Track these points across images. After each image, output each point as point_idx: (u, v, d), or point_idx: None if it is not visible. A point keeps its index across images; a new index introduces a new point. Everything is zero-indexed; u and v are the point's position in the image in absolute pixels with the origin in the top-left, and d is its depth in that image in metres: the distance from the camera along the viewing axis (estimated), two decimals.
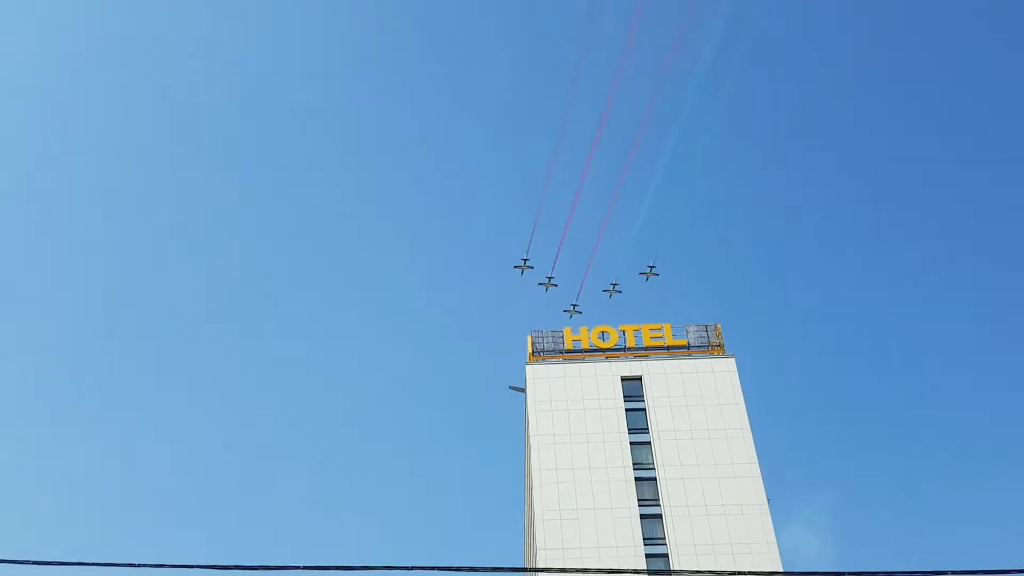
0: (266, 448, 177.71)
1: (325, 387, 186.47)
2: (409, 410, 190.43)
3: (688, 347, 71.75)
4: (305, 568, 11.85)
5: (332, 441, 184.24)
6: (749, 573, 13.91)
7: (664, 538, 60.70)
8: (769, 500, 62.48)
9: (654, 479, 63.68)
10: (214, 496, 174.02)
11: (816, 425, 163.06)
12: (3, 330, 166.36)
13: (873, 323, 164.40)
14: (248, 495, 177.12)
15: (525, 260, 79.54)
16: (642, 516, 61.70)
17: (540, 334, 72.48)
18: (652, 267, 77.38)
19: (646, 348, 71.72)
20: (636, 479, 63.53)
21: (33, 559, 11.42)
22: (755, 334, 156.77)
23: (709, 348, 71.30)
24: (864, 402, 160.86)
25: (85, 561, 11.55)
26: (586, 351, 71.63)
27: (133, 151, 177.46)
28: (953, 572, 12.20)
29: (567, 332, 72.40)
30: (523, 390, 78.42)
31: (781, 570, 62.45)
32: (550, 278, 79.17)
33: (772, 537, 60.26)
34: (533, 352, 71.39)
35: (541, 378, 69.07)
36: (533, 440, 65.63)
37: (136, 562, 11.58)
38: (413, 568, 11.66)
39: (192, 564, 10.80)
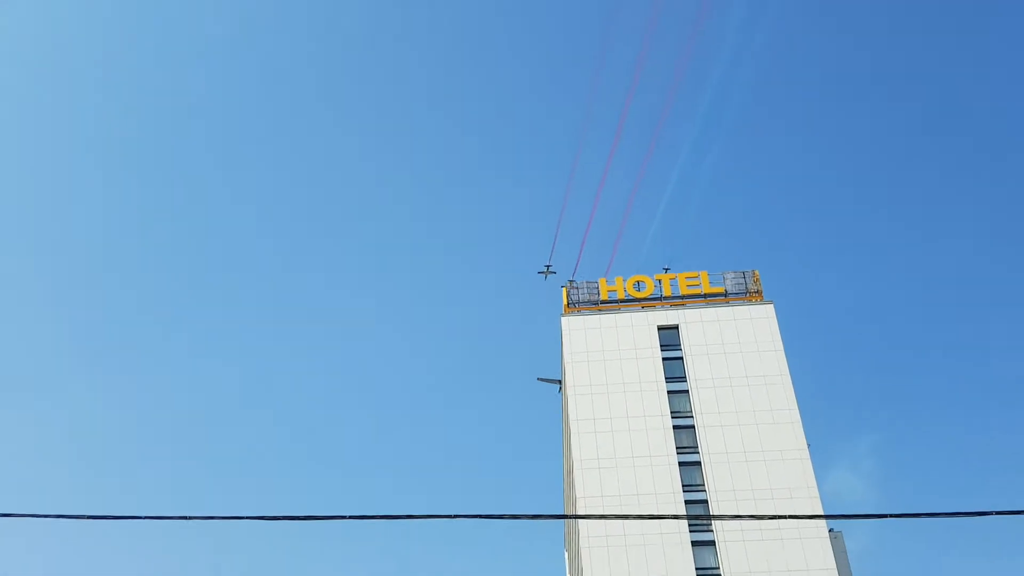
0: (305, 400, 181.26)
1: (365, 339, 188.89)
2: (446, 364, 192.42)
3: (726, 294, 71.12)
4: (351, 517, 12.04)
5: (371, 393, 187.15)
6: (790, 517, 13.90)
7: (703, 485, 60.95)
8: (809, 445, 62.36)
9: (692, 427, 63.77)
10: (265, 447, 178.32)
11: (857, 370, 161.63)
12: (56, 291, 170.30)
13: (913, 265, 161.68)
14: (294, 445, 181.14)
15: (548, 266, 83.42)
16: (681, 463, 61.95)
17: (575, 285, 72.30)
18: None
19: (682, 297, 71.25)
20: (674, 427, 63.67)
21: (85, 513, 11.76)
22: (794, 280, 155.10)
23: (747, 295, 70.63)
24: (905, 345, 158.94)
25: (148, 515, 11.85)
26: (621, 301, 71.36)
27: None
28: (997, 512, 12.09)
29: (602, 283, 72.11)
30: (555, 382, 79.62)
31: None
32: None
33: (813, 482, 60.22)
34: (568, 304, 71.30)
35: (576, 329, 69.07)
36: (570, 391, 65.91)
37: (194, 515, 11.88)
38: (457, 516, 11.79)
39: (242, 516, 11.04)
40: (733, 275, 71.87)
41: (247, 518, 11.29)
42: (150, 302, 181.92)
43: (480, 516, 11.69)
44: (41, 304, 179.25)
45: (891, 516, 12.40)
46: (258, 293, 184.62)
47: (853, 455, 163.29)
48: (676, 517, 14.84)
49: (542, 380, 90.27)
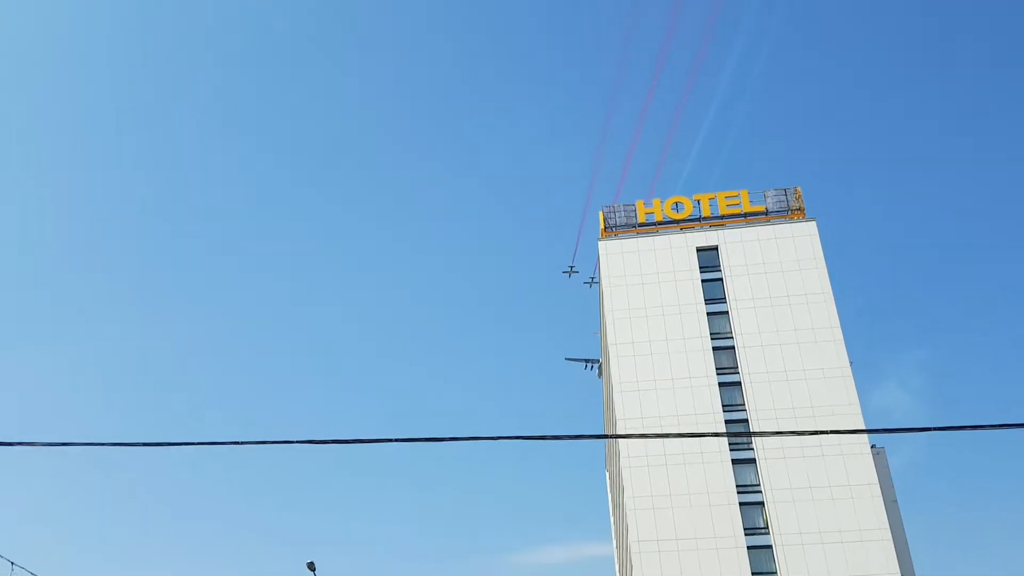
0: (351, 321, 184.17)
1: (407, 262, 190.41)
2: (488, 293, 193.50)
3: (766, 213, 69.85)
4: (399, 440, 12.09)
5: (412, 318, 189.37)
6: (831, 432, 13.70)
7: (743, 405, 61.03)
8: (852, 363, 61.88)
9: (732, 348, 63.53)
10: (320, 371, 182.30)
11: (903, 285, 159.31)
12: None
13: (961, 176, 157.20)
14: (345, 365, 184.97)
15: (572, 267, 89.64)
16: (721, 384, 61.98)
17: (612, 209, 71.51)
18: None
19: (722, 217, 70.14)
20: (714, 348, 63.49)
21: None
22: (836, 196, 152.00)
23: (788, 213, 69.29)
24: (953, 258, 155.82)
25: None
26: (660, 224, 70.50)
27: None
28: None
29: (639, 205, 71.20)
30: (584, 361, 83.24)
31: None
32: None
33: (855, 399, 59.95)
34: (605, 228, 70.66)
35: (614, 253, 68.56)
36: (608, 316, 65.83)
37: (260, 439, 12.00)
38: (499, 438, 11.79)
39: (295, 440, 11.12)
40: (774, 193, 70.44)
41: (302, 442, 11.37)
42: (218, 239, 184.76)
43: (524, 437, 11.68)
44: (101, 236, 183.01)
45: (933, 429, 12.12)
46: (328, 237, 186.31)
47: (901, 371, 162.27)
48: (716, 435, 14.78)
49: (571, 360, 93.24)
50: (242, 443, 11.26)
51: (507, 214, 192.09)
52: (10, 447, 10.66)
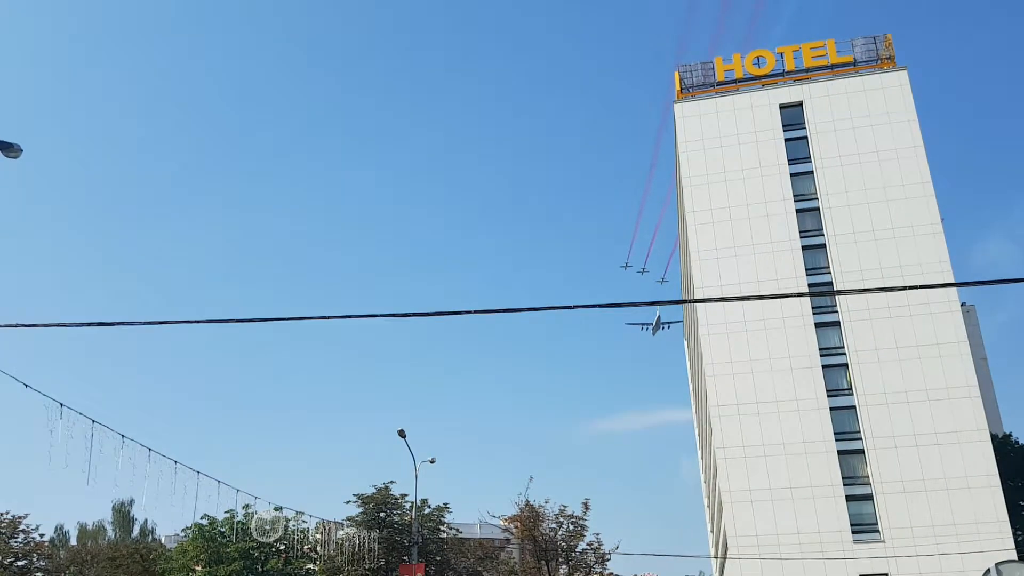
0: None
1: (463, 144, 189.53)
2: (566, 163, 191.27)
3: (855, 63, 65.80)
4: (476, 312, 12.83)
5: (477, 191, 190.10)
6: (921, 287, 13.74)
7: (828, 267, 59.81)
8: (943, 219, 59.40)
9: (817, 209, 61.70)
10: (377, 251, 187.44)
11: (1002, 134, 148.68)
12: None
13: None
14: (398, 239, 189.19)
15: (635, 265, 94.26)
16: (804, 248, 60.68)
17: (688, 68, 68.61)
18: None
19: (807, 70, 66.49)
20: (797, 211, 61.81)
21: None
22: (928, 42, 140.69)
23: (878, 63, 65.10)
24: None
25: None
26: (740, 81, 67.46)
27: None
28: None
29: (718, 62, 68.07)
30: (644, 325, 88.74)
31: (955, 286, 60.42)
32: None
33: (945, 256, 57.93)
34: (681, 89, 68.12)
35: (691, 115, 66.38)
36: (685, 182, 64.53)
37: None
38: (577, 307, 12.29)
39: (381, 314, 11.98)
40: (863, 41, 66.07)
41: (357, 316, 12.23)
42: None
43: (602, 305, 12.18)
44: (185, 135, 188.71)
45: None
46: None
47: (1009, 222, 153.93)
48: (799, 295, 15.10)
49: (631, 324, 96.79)
50: (330, 317, 12.14)
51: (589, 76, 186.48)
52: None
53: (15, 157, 17.15)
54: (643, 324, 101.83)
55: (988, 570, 11.87)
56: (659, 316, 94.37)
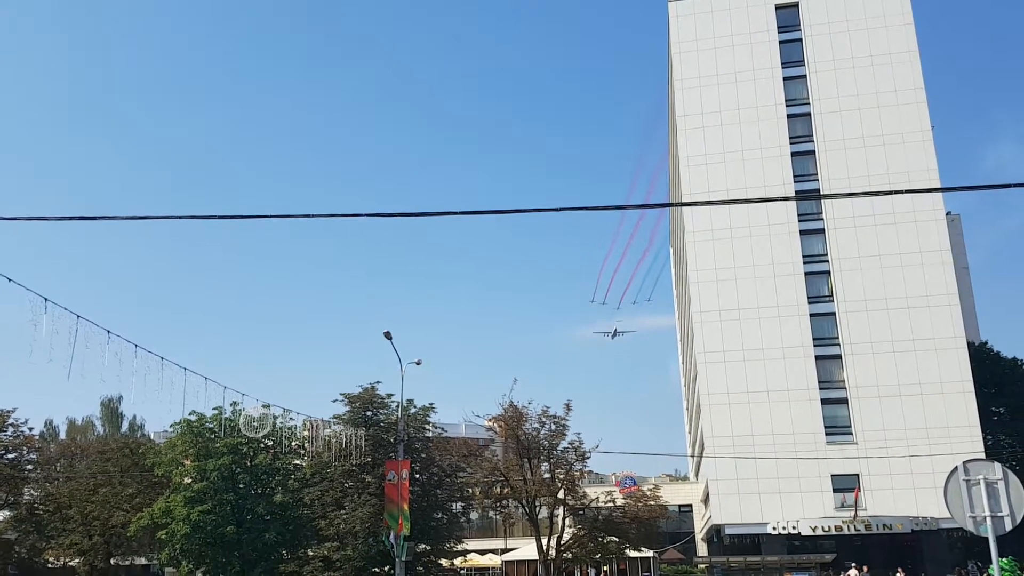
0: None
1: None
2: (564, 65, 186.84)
3: None
4: (468, 212, 12.59)
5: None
6: (907, 192, 13.53)
7: (816, 174, 59.54)
8: (933, 127, 58.92)
9: (808, 114, 61.08)
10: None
11: (1010, 38, 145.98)
12: None
13: None
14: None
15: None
16: (793, 154, 60.31)
17: None
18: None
19: None
20: (788, 116, 61.19)
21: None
22: None
23: None
24: None
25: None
26: None
27: None
28: None
29: None
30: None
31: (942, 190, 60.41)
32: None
33: (934, 164, 57.86)
34: None
35: (685, 15, 64.69)
36: (676, 85, 63.38)
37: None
38: (560, 209, 12.14)
39: (374, 213, 11.81)
40: None
41: (377, 215, 12.03)
42: None
43: (590, 208, 12.04)
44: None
45: (1012, 186, 11.52)
46: None
47: (1019, 127, 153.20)
48: (784, 199, 14.95)
49: (597, 333, 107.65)
50: (314, 216, 11.93)
51: None
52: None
53: None
54: (605, 332, 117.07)
55: (956, 468, 12.17)
56: (616, 328, 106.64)
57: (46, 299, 14.33)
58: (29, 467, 54.86)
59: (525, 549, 58.26)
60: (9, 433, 52.45)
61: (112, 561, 55.02)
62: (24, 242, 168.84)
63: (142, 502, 47.87)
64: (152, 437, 75.21)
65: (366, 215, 11.11)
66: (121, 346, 16.86)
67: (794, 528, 52.69)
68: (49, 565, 54.35)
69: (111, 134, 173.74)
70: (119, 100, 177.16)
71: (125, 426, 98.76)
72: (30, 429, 54.74)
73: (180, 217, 11.68)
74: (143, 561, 59.75)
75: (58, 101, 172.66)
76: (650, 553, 56.79)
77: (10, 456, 52.78)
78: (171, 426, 45.04)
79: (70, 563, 55.72)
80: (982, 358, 62.61)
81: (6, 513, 54.80)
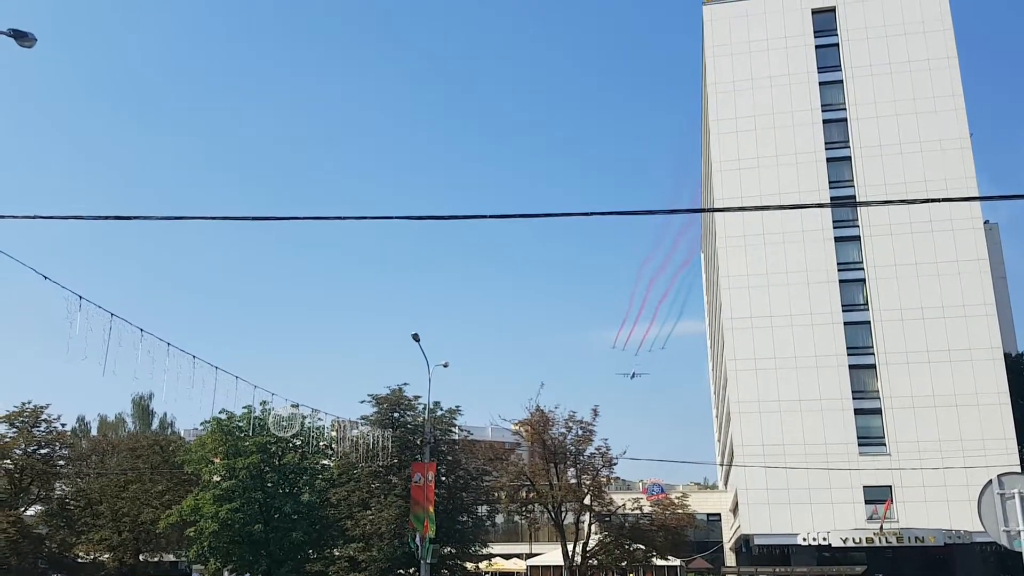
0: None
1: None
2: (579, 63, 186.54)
3: None
4: (504, 216, 12.49)
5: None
6: (943, 201, 13.26)
7: (852, 180, 58.71)
8: (972, 135, 57.82)
9: (844, 120, 60.21)
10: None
11: None
12: None
13: None
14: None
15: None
16: (829, 160, 59.49)
17: None
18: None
19: None
20: (824, 121, 60.38)
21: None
22: None
23: None
24: None
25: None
26: None
27: None
28: None
29: None
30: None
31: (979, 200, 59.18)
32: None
33: (972, 171, 56.80)
34: None
35: (720, 19, 64.12)
36: (711, 89, 62.80)
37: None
38: (591, 214, 12.04)
39: (403, 215, 11.72)
40: None
41: (411, 218, 11.96)
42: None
43: (623, 212, 11.85)
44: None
45: None
46: None
47: None
48: (819, 206, 14.64)
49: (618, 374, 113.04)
50: (344, 218, 11.91)
51: None
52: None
53: (29, 47, 16.56)
54: (625, 374, 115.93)
55: (990, 481, 11.80)
56: (634, 371, 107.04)
57: (80, 296, 14.38)
58: (61, 463, 55.52)
59: (550, 554, 57.93)
60: (42, 429, 53.13)
61: (141, 557, 55.56)
62: (60, 240, 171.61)
63: (171, 499, 48.28)
64: (182, 435, 75.91)
65: (387, 217, 10.98)
66: (154, 344, 16.91)
67: (824, 539, 51.83)
68: (79, 560, 55.07)
69: (172, 132, 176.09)
70: (173, 98, 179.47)
71: (156, 423, 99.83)
72: (63, 425, 55.44)
73: (214, 218, 11.64)
74: (171, 558, 60.27)
75: (124, 104, 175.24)
76: (677, 562, 56.21)
77: (43, 452, 53.46)
78: (201, 424, 45.39)
79: (100, 558, 56.32)
80: (1019, 369, 61.30)
81: (38, 508, 55.49)
